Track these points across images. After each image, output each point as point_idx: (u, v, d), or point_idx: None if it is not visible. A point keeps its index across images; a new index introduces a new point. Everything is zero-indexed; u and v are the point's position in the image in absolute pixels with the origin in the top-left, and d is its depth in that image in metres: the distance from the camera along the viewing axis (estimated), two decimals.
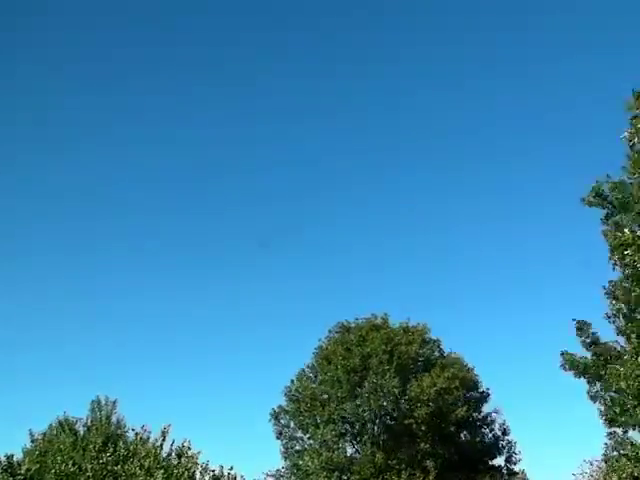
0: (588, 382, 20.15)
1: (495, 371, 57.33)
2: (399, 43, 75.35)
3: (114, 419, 23.29)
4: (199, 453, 20.44)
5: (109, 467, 18.99)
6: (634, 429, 19.18)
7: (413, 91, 76.83)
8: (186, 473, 19.46)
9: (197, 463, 20.24)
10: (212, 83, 78.55)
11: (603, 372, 19.09)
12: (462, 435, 31.56)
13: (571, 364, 20.04)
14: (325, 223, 76.92)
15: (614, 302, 19.13)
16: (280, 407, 31.32)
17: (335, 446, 29.49)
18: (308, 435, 30.36)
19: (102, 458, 19.29)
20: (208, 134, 76.15)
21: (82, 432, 22.69)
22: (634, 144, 17.30)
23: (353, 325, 32.30)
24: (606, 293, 19.52)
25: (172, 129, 74.67)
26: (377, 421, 30.17)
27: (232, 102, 78.30)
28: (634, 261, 16.29)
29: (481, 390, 32.37)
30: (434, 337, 32.33)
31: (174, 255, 76.29)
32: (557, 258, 67.23)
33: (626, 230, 16.60)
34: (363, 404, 29.69)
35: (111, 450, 19.78)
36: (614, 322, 19.44)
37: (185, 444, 20.40)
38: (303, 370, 32.02)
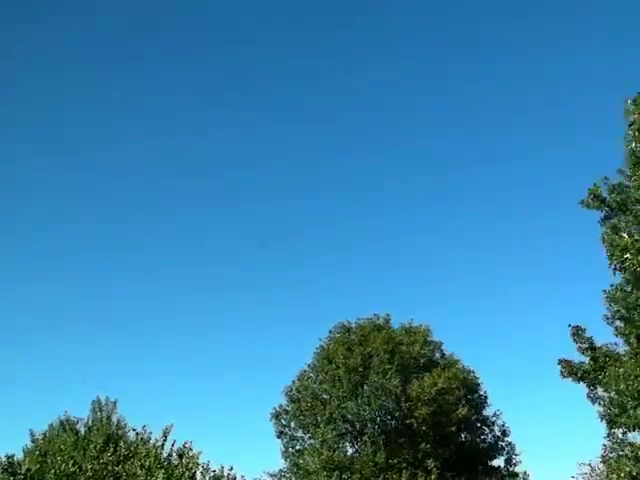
0: (587, 386, 20.18)
1: (495, 372, 57.50)
2: (399, 43, 75.47)
3: (115, 419, 23.27)
4: (200, 453, 20.53)
5: (110, 467, 19.03)
6: (634, 430, 19.20)
7: (413, 91, 77.09)
8: (187, 473, 19.50)
9: (198, 463, 20.27)
10: (212, 83, 78.75)
11: (601, 376, 19.11)
12: (462, 435, 31.53)
13: (569, 371, 20.08)
14: (325, 223, 77.02)
15: (613, 304, 19.18)
16: (281, 407, 31.31)
17: (336, 446, 29.42)
18: (309, 435, 30.32)
19: (103, 458, 19.33)
20: (208, 134, 76.33)
21: (83, 432, 22.74)
22: (632, 147, 17.36)
23: (354, 325, 32.32)
24: (607, 297, 19.57)
25: (172, 129, 74.91)
26: (378, 421, 30.12)
27: (232, 102, 78.47)
28: (633, 264, 16.35)
29: (481, 392, 32.32)
30: (436, 339, 32.37)
31: (174, 255, 76.49)
32: (557, 259, 67.38)
33: (624, 234, 16.65)
34: (364, 404, 29.63)
35: (112, 450, 19.79)
36: (612, 324, 19.52)
37: (187, 445, 20.48)
38: (304, 370, 32.03)
